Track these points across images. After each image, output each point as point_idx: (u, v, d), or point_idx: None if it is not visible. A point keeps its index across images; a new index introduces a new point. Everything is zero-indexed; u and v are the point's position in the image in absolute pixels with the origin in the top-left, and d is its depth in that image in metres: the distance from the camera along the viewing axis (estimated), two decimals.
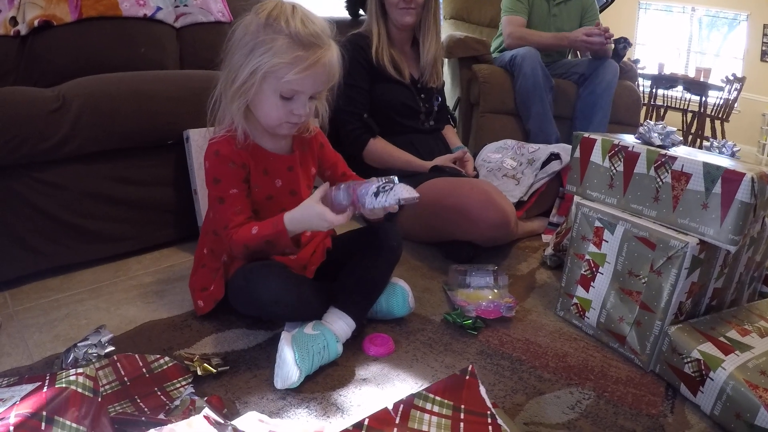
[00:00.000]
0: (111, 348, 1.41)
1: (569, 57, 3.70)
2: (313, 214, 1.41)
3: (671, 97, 6.72)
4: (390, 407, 1.24)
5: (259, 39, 1.40)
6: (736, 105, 6.70)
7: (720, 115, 6.55)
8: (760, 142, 7.21)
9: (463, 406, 1.26)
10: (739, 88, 6.60)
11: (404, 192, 1.38)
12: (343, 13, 2.99)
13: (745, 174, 1.34)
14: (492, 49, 3.68)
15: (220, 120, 1.53)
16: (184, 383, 1.33)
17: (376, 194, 1.38)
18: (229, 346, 1.54)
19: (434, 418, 1.22)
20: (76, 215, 1.89)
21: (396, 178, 1.43)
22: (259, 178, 1.55)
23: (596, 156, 1.68)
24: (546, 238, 2.46)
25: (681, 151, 1.55)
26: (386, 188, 1.39)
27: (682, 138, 1.62)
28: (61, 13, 2.27)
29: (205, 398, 1.24)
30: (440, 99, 2.56)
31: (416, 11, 2.31)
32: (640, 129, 1.66)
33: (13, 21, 2.20)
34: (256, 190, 1.56)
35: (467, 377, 1.34)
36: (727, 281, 1.61)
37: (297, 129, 1.57)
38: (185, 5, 2.62)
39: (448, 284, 1.93)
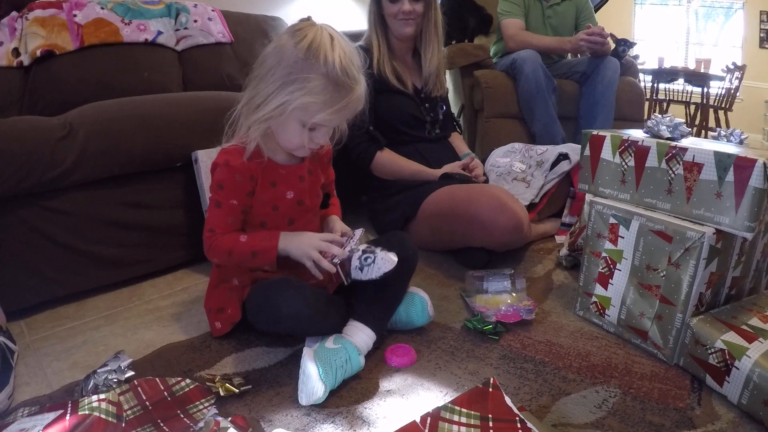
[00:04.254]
0: (131, 373, 1.41)
1: (569, 57, 3.70)
2: (307, 251, 1.49)
3: (673, 91, 6.70)
4: (418, 420, 1.23)
5: (294, 74, 1.39)
6: (738, 94, 6.67)
7: (723, 105, 6.52)
8: (764, 129, 7.19)
9: (490, 416, 1.25)
10: (740, 76, 6.58)
11: (384, 265, 1.46)
12: (349, 26, 2.99)
13: (756, 160, 1.34)
14: (492, 53, 3.68)
15: (236, 135, 1.53)
16: (207, 405, 1.33)
17: (361, 268, 1.46)
18: (250, 365, 1.53)
19: (463, 429, 1.21)
20: (88, 242, 1.88)
21: (361, 231, 1.56)
22: (265, 190, 1.55)
23: (606, 152, 1.68)
24: (560, 238, 2.45)
25: (691, 142, 1.55)
26: (368, 261, 1.47)
27: (690, 129, 1.62)
28: (63, 42, 2.29)
29: (230, 419, 1.24)
30: (444, 107, 2.55)
31: (416, 21, 2.31)
32: (648, 122, 1.65)
33: (16, 52, 2.21)
34: (260, 203, 1.56)
35: (490, 389, 1.33)
36: (745, 269, 1.61)
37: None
38: (185, 28, 2.64)
39: (465, 291, 1.92)
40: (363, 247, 1.51)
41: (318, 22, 1.47)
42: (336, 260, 1.49)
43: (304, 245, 1.50)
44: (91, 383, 1.36)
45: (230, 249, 1.50)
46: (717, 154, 1.41)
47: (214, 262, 1.60)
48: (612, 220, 1.63)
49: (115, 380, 1.38)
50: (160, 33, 2.53)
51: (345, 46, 1.43)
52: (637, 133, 1.68)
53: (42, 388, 1.45)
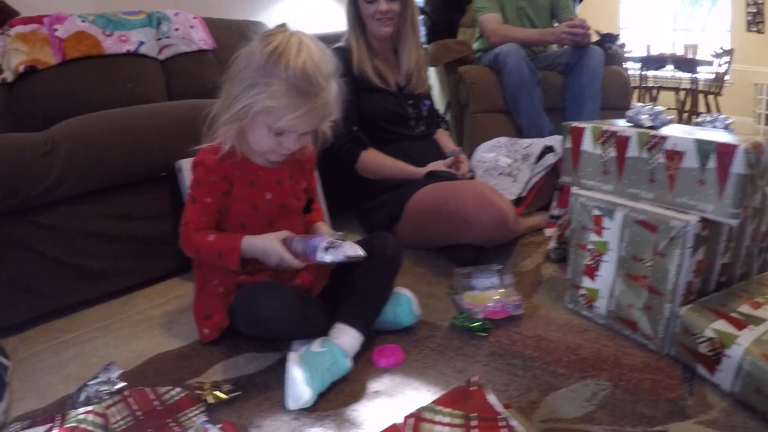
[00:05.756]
0: (122, 384, 1.41)
1: (554, 48, 3.69)
2: (272, 250, 1.51)
3: (662, 77, 6.72)
4: (399, 422, 1.23)
5: (256, 78, 1.41)
6: (727, 77, 6.67)
7: (712, 90, 6.52)
8: (755, 111, 7.19)
9: (473, 414, 1.24)
10: (728, 60, 6.59)
11: (350, 250, 1.48)
12: (331, 27, 2.99)
13: (738, 145, 1.34)
14: (475, 49, 3.68)
15: (214, 137, 1.54)
16: (196, 412, 1.33)
17: (326, 249, 1.47)
18: (239, 371, 1.53)
19: (446, 429, 1.21)
20: (77, 255, 1.88)
21: (343, 234, 1.55)
22: (244, 189, 1.57)
23: (587, 144, 1.68)
24: (549, 231, 2.44)
25: (672, 130, 1.55)
26: (335, 245, 1.48)
27: (671, 117, 1.62)
28: (45, 56, 2.29)
29: (219, 425, 1.24)
30: (428, 103, 2.55)
31: (393, 21, 2.32)
32: (629, 112, 1.66)
33: None
34: (239, 202, 1.58)
35: (472, 388, 1.32)
36: (735, 255, 1.61)
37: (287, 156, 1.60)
38: (167, 37, 2.64)
39: (453, 288, 1.91)
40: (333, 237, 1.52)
41: (293, 28, 1.47)
42: (301, 242, 1.52)
43: (267, 241, 1.51)
44: (83, 396, 1.36)
45: (198, 247, 1.54)
46: (698, 141, 1.41)
47: (188, 255, 1.61)
48: (596, 212, 1.64)
49: (106, 392, 1.38)
50: (141, 43, 2.53)
51: (315, 52, 1.43)
52: (618, 123, 1.68)
53: (36, 402, 1.45)
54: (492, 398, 1.27)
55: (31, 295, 1.81)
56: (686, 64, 6.50)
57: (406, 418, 1.23)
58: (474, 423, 1.21)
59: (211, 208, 1.55)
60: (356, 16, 2.35)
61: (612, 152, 1.61)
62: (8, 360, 1.55)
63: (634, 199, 1.58)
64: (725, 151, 1.36)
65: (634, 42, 7.72)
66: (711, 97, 6.59)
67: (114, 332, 1.79)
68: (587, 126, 1.68)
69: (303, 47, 1.41)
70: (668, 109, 6.92)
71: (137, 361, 1.61)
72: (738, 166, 1.35)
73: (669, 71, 6.67)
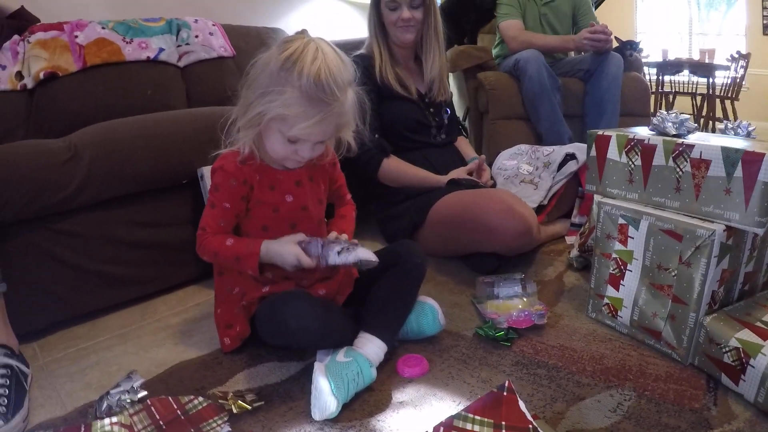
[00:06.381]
0: (143, 393, 1.41)
1: (572, 55, 3.68)
2: (287, 252, 1.50)
3: (678, 82, 6.67)
4: (431, 431, 1.22)
5: (271, 85, 1.40)
6: (744, 82, 6.63)
7: (729, 95, 6.48)
8: None
9: (503, 423, 1.24)
10: (745, 65, 6.54)
11: (363, 254, 1.49)
12: (350, 34, 2.99)
13: (765, 154, 1.32)
14: (494, 55, 3.68)
15: (234, 143, 1.54)
16: (220, 422, 1.32)
17: (339, 252, 1.48)
18: (262, 380, 1.52)
19: None
20: (98, 262, 1.88)
21: (357, 243, 1.55)
22: (265, 193, 1.56)
23: (612, 152, 1.67)
24: (570, 239, 2.43)
25: (697, 138, 1.53)
26: (349, 248, 1.49)
27: (696, 125, 1.62)
28: (66, 63, 2.29)
29: None
30: (449, 111, 2.55)
31: (416, 28, 2.32)
32: (654, 120, 1.64)
33: (19, 76, 2.22)
34: (260, 205, 1.57)
35: (505, 393, 1.32)
36: (758, 264, 1.59)
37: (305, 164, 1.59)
38: (187, 44, 2.64)
39: (476, 297, 1.91)
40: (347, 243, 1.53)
41: (313, 35, 1.45)
42: (316, 243, 1.51)
43: (283, 243, 1.51)
44: (105, 404, 1.36)
45: (216, 251, 1.53)
46: (724, 149, 1.39)
47: (204, 260, 1.61)
48: (621, 221, 1.62)
49: (129, 400, 1.38)
50: (161, 50, 2.53)
51: (331, 60, 1.40)
52: (642, 132, 1.67)
53: (56, 409, 1.45)
54: (523, 406, 1.27)
55: (50, 300, 1.81)
56: (703, 68, 6.45)
57: (437, 426, 1.23)
58: None
59: (230, 213, 1.55)
60: (378, 23, 2.35)
61: (637, 161, 1.60)
62: (27, 367, 1.56)
63: (659, 207, 1.56)
64: (752, 159, 1.34)
65: (651, 47, 7.68)
66: (728, 102, 6.55)
67: (134, 340, 1.79)
68: (613, 134, 1.67)
69: (319, 54, 1.39)
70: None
71: (158, 369, 1.61)
72: (765, 175, 1.33)
73: (685, 76, 6.61)
